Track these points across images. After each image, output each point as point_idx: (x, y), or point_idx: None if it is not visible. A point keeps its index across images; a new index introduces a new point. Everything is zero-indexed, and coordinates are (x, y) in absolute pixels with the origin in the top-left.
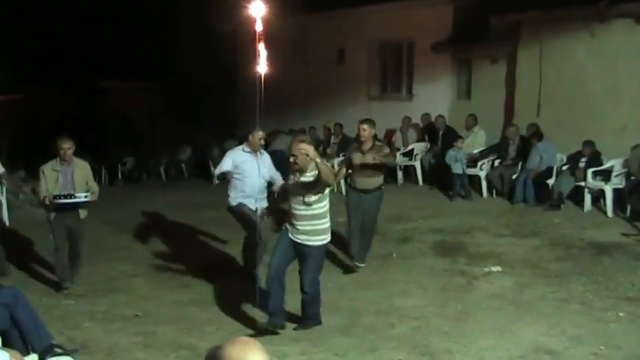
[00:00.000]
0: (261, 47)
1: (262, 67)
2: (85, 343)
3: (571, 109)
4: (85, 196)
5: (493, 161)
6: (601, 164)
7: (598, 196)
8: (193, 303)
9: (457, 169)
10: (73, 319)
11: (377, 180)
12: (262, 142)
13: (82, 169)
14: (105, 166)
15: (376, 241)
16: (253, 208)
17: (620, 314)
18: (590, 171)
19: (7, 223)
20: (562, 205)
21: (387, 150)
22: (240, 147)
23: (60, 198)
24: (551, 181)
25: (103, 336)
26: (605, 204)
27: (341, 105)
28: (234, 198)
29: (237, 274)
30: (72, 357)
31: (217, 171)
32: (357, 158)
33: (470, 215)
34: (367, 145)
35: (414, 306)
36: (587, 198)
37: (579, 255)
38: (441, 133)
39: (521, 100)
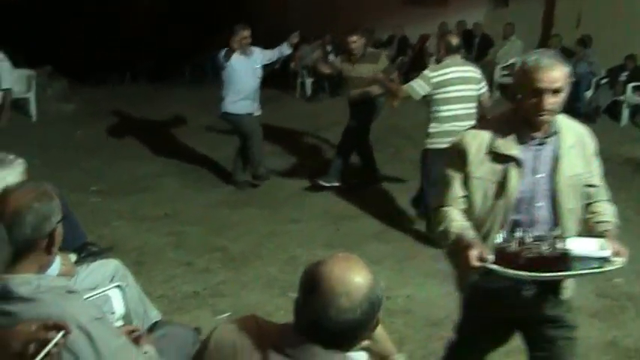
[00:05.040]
0: None
1: None
2: (116, 242)
3: (614, 20)
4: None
5: None
6: None
7: (635, 111)
8: (223, 204)
9: None
10: (101, 217)
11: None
12: (248, 40)
13: None
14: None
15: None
16: (250, 110)
17: None
18: (630, 85)
19: (34, 119)
20: (597, 119)
21: (383, 57)
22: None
23: (528, 250)
24: (588, 94)
25: (132, 235)
26: None
27: (373, 9)
28: (230, 104)
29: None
30: (106, 256)
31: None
32: (348, 70)
33: None
34: (357, 56)
35: None
36: (625, 112)
37: (617, 170)
38: (476, 40)
39: (561, 11)
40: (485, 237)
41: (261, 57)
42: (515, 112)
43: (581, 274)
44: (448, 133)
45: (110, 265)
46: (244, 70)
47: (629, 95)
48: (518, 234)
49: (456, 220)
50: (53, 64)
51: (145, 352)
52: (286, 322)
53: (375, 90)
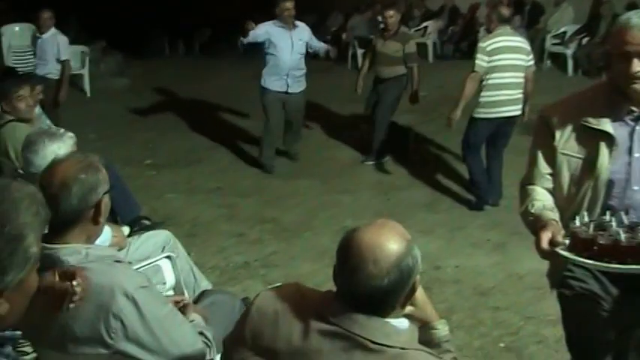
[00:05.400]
0: None
1: None
2: (169, 215)
3: None
4: None
5: (581, 40)
6: None
7: None
8: (274, 176)
9: None
10: (155, 189)
11: (394, 69)
12: (291, 12)
13: None
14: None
15: None
16: (283, 88)
17: None
18: None
19: (89, 94)
20: None
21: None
22: (272, 21)
23: (604, 236)
24: None
25: (186, 207)
26: None
27: None
28: (266, 77)
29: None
30: (160, 229)
31: (247, 40)
32: (379, 45)
33: (560, 93)
34: (390, 32)
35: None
36: None
37: None
38: (527, 8)
39: None
40: (571, 221)
41: (306, 36)
42: (610, 82)
43: None
44: (498, 103)
45: (161, 236)
46: (283, 45)
47: None
48: (606, 217)
49: (538, 199)
50: (107, 38)
51: (192, 321)
52: (329, 290)
53: (401, 69)
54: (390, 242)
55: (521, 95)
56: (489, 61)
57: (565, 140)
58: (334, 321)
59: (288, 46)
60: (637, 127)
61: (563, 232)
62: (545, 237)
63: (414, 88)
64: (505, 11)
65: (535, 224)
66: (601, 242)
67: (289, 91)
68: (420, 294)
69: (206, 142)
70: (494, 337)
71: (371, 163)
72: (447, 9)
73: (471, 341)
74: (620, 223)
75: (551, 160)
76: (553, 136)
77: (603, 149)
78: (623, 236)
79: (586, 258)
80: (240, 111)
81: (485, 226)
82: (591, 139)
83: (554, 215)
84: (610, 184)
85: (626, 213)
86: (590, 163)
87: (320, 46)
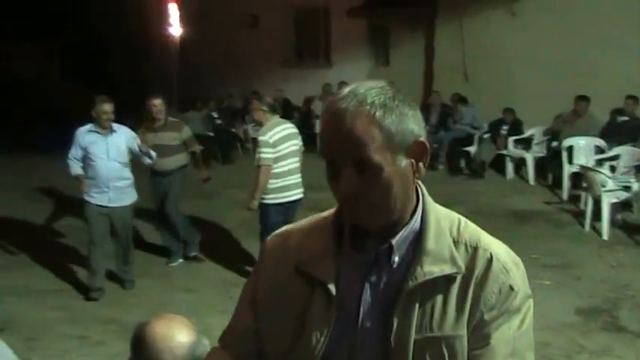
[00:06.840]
0: (172, 6)
1: (176, 29)
2: (8, 319)
3: (491, 77)
4: None
5: None
6: (522, 132)
7: (519, 164)
8: (115, 276)
9: None
10: None
11: (177, 159)
12: (109, 116)
13: None
14: None
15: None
16: (105, 201)
17: (546, 282)
18: (511, 139)
19: None
20: (484, 173)
21: (186, 128)
22: (88, 126)
23: None
24: (472, 149)
25: (25, 311)
26: (526, 172)
27: (257, 72)
28: (85, 188)
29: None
30: None
31: (74, 169)
32: (151, 138)
33: None
34: (160, 122)
35: None
36: (509, 166)
37: (502, 223)
38: None
39: (440, 69)
40: None
41: (127, 142)
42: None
43: None
44: (285, 187)
45: None
46: (98, 153)
47: (511, 149)
48: None
49: None
50: None
51: None
52: None
53: (183, 159)
54: (181, 333)
55: (301, 179)
56: (274, 152)
57: (274, 289)
58: None
59: (103, 153)
60: (369, 282)
61: None
62: None
63: (202, 170)
64: (272, 100)
65: None
66: None
67: (111, 205)
68: None
69: (38, 242)
70: None
71: (180, 261)
72: (278, 103)
73: None
74: None
75: (258, 315)
76: (263, 280)
77: (317, 309)
78: None
79: None
80: (68, 210)
81: None
82: (305, 293)
83: None
84: None
85: None
86: (299, 328)
87: (142, 155)
